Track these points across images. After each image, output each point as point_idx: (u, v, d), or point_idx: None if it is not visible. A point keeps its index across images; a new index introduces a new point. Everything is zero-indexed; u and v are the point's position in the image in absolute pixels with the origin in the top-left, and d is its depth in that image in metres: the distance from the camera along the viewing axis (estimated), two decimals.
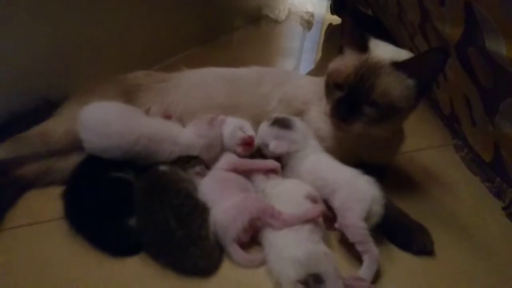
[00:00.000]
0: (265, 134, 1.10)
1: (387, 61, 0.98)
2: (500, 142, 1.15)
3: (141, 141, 1.01)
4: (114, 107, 1.07)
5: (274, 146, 1.06)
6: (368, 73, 0.98)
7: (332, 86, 1.06)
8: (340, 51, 1.09)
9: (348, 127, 1.02)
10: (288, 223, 0.87)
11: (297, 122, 1.11)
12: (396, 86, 0.97)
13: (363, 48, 1.02)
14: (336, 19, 3.58)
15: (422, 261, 0.94)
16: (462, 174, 1.36)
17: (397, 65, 0.97)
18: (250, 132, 1.12)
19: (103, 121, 1.01)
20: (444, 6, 1.24)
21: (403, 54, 1.02)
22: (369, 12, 3.27)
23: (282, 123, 1.09)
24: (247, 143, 1.09)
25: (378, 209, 0.91)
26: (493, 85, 1.10)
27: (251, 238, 0.91)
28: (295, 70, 2.40)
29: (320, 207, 0.92)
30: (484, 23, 1.03)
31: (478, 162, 1.33)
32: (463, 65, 1.22)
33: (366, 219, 0.89)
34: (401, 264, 0.92)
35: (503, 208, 1.16)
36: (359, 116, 1.00)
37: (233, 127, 1.11)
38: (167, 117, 1.16)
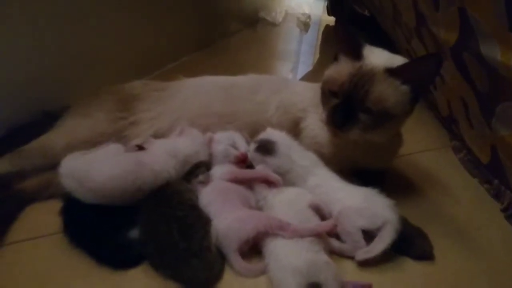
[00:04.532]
0: (252, 157, 1.11)
1: (381, 68, 0.99)
2: (497, 145, 1.15)
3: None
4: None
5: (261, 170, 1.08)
6: (362, 80, 0.98)
7: (327, 94, 1.06)
8: (335, 59, 1.10)
9: (345, 134, 1.03)
10: (298, 234, 0.87)
11: (280, 145, 1.09)
12: (390, 93, 0.98)
13: (357, 55, 1.03)
14: (333, 20, 3.58)
15: (422, 266, 0.95)
16: (461, 176, 1.36)
17: (391, 72, 0.98)
18: (243, 146, 1.12)
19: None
20: (438, 11, 1.24)
21: (397, 60, 1.03)
22: (366, 13, 3.28)
23: (264, 149, 1.08)
24: (241, 160, 1.10)
25: (389, 234, 0.91)
26: (489, 88, 1.10)
27: (252, 248, 0.91)
28: (292, 72, 2.41)
29: (332, 222, 0.94)
30: (479, 28, 1.04)
31: (476, 163, 1.34)
32: (459, 69, 1.23)
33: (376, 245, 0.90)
34: (401, 269, 0.93)
35: (502, 210, 1.16)
36: (355, 123, 1.01)
37: (225, 145, 1.11)
38: None
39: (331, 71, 1.09)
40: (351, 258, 0.93)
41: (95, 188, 0.91)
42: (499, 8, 0.92)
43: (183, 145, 1.09)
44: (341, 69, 1.05)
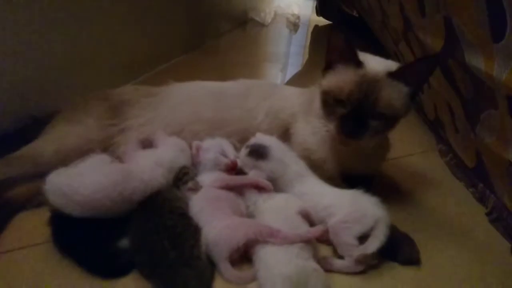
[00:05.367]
0: (243, 163, 1.11)
1: (383, 72, 1.01)
2: (481, 151, 1.18)
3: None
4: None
5: (252, 176, 1.08)
6: (370, 87, 1.00)
7: (332, 103, 1.06)
8: (328, 67, 1.10)
9: (357, 142, 1.04)
10: (288, 240, 0.88)
11: (273, 149, 1.10)
12: (397, 96, 1.00)
13: (358, 63, 1.03)
14: (322, 21, 3.61)
15: (409, 271, 0.97)
16: (447, 179, 1.39)
17: (393, 75, 1.00)
18: (231, 153, 1.13)
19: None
20: (425, 17, 1.26)
21: (391, 64, 1.06)
22: (354, 13, 3.30)
23: (257, 153, 1.09)
24: (231, 168, 1.11)
25: (382, 231, 0.92)
26: (474, 96, 1.12)
27: (242, 255, 0.92)
28: (282, 73, 2.43)
29: (321, 228, 0.95)
30: (463, 37, 1.06)
31: (462, 167, 1.36)
32: (445, 75, 1.25)
33: (372, 243, 0.91)
34: (389, 275, 0.94)
35: (486, 214, 1.19)
36: (366, 130, 1.02)
37: (214, 153, 1.11)
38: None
39: (332, 80, 1.07)
40: None
41: (83, 202, 0.90)
42: (482, 18, 0.94)
43: (164, 153, 1.10)
44: (344, 77, 1.04)
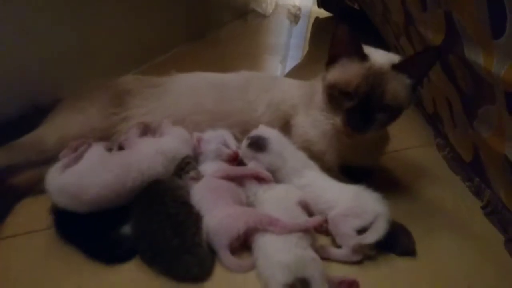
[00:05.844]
0: (244, 153, 1.13)
1: (387, 65, 1.02)
2: (478, 145, 1.19)
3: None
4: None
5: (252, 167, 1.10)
6: (377, 80, 1.01)
7: (338, 97, 1.06)
8: (331, 61, 1.10)
9: (363, 134, 1.05)
10: (287, 229, 0.90)
11: (272, 142, 1.11)
12: (401, 88, 1.02)
13: (363, 56, 1.04)
14: (323, 13, 3.60)
15: (405, 262, 0.98)
16: (444, 173, 1.41)
17: (397, 68, 1.02)
18: (233, 144, 1.15)
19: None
20: (426, 12, 1.27)
21: (394, 57, 1.07)
22: (355, 6, 3.30)
23: (256, 145, 1.10)
24: (233, 158, 1.13)
25: (382, 225, 0.94)
26: (473, 91, 1.14)
27: (242, 243, 0.93)
28: (282, 64, 2.43)
29: (320, 218, 0.97)
30: (463, 32, 1.07)
31: (459, 161, 1.38)
32: (445, 70, 1.26)
33: (370, 235, 0.93)
34: (385, 265, 0.96)
35: (482, 208, 1.21)
36: (373, 123, 1.03)
37: (216, 144, 1.13)
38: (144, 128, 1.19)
39: (338, 74, 1.08)
40: None
41: (91, 200, 0.91)
42: (482, 14, 0.94)
43: (168, 142, 1.11)
44: (350, 71, 1.05)
